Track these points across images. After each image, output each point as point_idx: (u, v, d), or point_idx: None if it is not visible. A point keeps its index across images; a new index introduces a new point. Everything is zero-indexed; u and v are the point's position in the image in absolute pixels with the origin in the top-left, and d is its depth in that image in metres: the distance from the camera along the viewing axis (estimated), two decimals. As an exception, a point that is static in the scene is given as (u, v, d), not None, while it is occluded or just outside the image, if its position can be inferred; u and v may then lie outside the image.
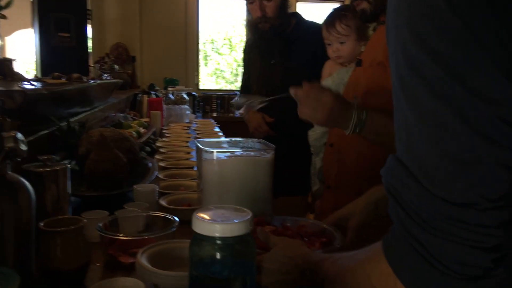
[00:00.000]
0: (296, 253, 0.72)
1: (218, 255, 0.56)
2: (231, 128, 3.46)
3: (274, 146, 1.01)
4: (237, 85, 4.97)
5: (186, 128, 2.92)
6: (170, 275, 0.75)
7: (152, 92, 3.72)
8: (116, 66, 2.95)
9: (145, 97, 3.40)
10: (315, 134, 1.76)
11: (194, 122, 3.28)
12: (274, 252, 0.75)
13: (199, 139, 1.08)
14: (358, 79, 1.28)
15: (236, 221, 0.56)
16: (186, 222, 0.99)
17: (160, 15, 4.75)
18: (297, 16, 2.01)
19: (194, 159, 1.92)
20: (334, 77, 1.69)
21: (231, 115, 4.54)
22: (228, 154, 0.97)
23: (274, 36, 1.90)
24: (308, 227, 1.01)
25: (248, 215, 0.57)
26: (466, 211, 0.45)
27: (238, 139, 1.08)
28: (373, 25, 1.36)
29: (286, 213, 1.06)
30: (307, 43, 1.92)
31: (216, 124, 3.23)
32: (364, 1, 1.20)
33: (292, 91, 1.06)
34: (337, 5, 5.04)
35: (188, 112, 3.50)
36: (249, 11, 1.93)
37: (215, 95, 4.72)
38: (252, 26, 1.93)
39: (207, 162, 0.97)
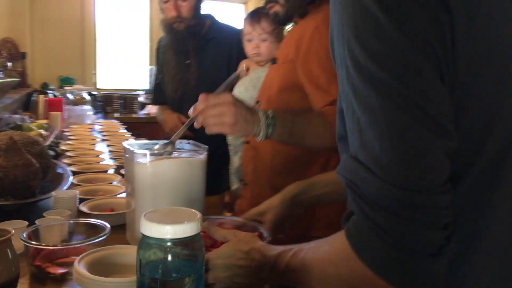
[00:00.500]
0: (252, 247, 0.73)
1: (169, 257, 0.55)
2: (136, 128, 3.36)
3: (206, 146, 1.02)
4: (139, 85, 4.81)
5: (89, 129, 2.80)
6: (115, 282, 0.73)
7: (49, 91, 3.47)
8: (9, 64, 2.70)
9: (41, 97, 3.16)
10: (233, 133, 1.79)
11: (97, 123, 3.14)
12: (227, 247, 0.76)
13: (127, 142, 1.05)
14: (273, 76, 1.32)
15: (186, 222, 0.55)
16: (112, 227, 0.96)
17: (53, 8, 4.40)
18: (211, 17, 2.02)
19: (106, 162, 1.85)
20: (251, 76, 1.73)
21: (135, 115, 4.39)
22: (161, 155, 0.96)
23: (189, 36, 1.89)
24: (229, 224, 1.03)
25: (197, 215, 0.57)
26: (421, 197, 0.51)
27: (166, 140, 1.06)
28: (289, 26, 1.42)
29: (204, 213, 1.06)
30: (222, 44, 1.94)
31: (121, 124, 3.12)
32: (277, 4, 1.24)
33: (191, 111, 1.02)
34: (237, 5, 5.13)
35: (89, 112, 3.33)
36: (163, 11, 1.90)
37: (116, 94, 4.52)
38: (167, 26, 1.90)
39: (138, 165, 0.95)
